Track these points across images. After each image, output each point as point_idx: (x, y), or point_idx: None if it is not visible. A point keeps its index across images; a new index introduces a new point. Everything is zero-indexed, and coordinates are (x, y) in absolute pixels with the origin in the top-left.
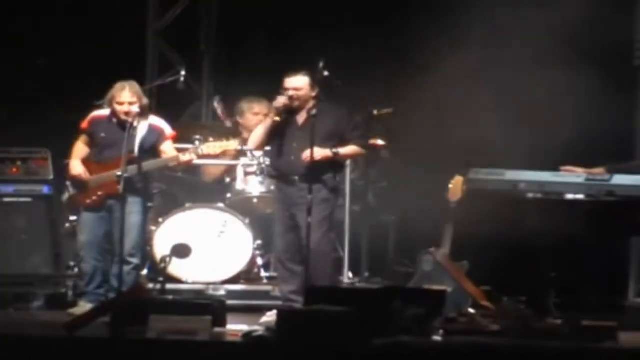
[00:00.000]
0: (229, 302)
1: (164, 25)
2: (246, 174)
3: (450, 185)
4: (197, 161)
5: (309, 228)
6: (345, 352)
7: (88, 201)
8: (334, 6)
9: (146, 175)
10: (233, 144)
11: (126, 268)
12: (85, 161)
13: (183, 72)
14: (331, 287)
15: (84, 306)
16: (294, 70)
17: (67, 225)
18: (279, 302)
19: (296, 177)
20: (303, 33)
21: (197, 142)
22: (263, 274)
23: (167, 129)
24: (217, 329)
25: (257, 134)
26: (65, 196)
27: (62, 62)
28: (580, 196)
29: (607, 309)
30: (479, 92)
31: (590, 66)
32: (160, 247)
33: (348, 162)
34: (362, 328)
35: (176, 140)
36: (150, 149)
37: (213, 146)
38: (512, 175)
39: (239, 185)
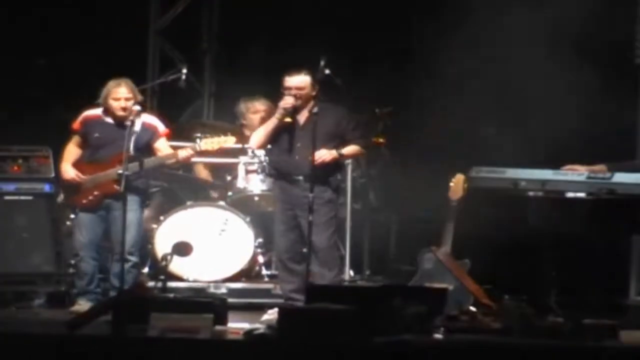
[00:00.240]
0: (230, 300)
1: (165, 24)
2: (247, 172)
3: (451, 184)
4: (196, 159)
5: (313, 227)
6: (346, 350)
7: (84, 201)
8: (335, 5)
9: (143, 173)
10: (231, 140)
11: (126, 266)
12: (78, 162)
13: (184, 71)
14: (332, 285)
15: (84, 305)
16: (295, 69)
17: (68, 223)
18: (280, 300)
19: (300, 177)
20: (304, 31)
21: (197, 140)
22: (264, 272)
23: (161, 127)
24: (218, 327)
25: (260, 134)
26: (61, 197)
27: (63, 61)
28: (581, 194)
29: (608, 308)
30: (479, 91)
31: (591, 65)
32: (162, 245)
33: (349, 160)
34: (363, 326)
35: (177, 138)
36: (145, 147)
37: (210, 142)
38: (513, 173)
39: (240, 183)
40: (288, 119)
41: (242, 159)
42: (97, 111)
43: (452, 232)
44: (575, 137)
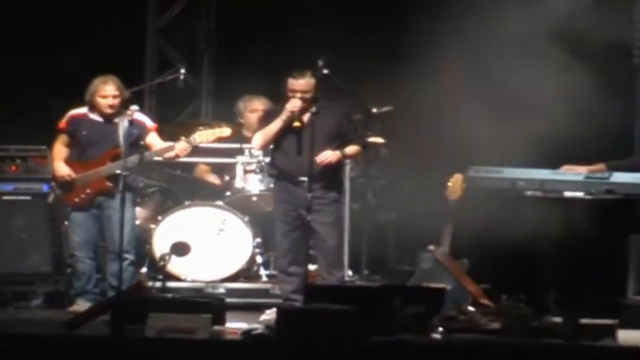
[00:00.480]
0: (228, 300)
1: (163, 23)
2: (245, 172)
3: (449, 184)
4: (197, 159)
5: (320, 227)
6: (344, 350)
7: (76, 200)
8: (334, 4)
9: (134, 171)
10: (226, 131)
11: (122, 264)
12: (67, 161)
13: (182, 70)
14: (331, 285)
15: (83, 305)
16: (300, 71)
17: (67, 223)
18: (279, 300)
19: (304, 178)
20: (302, 31)
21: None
22: (262, 271)
23: (148, 121)
24: (217, 327)
25: (264, 135)
26: (52, 197)
27: (61, 60)
28: (580, 194)
29: (606, 307)
30: (478, 91)
31: (590, 64)
32: (160, 245)
33: (348, 160)
34: (362, 326)
35: (175, 138)
36: (135, 143)
37: (205, 134)
38: (511, 173)
39: (238, 183)
40: (297, 124)
41: (240, 159)
42: (83, 110)
43: (450, 232)
44: (572, 137)
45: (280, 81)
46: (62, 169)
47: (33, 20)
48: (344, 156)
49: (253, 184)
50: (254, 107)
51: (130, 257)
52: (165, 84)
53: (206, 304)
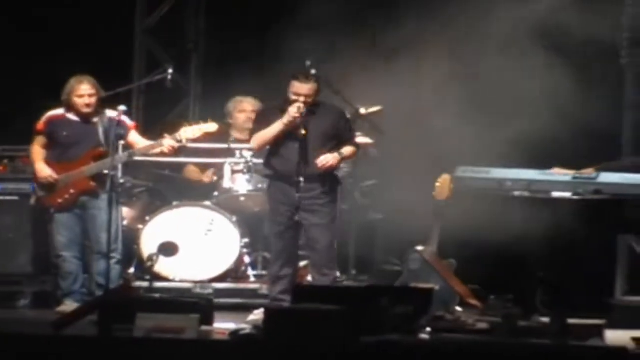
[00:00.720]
0: (216, 300)
1: (151, 23)
2: (233, 172)
3: (437, 184)
4: (186, 159)
5: (316, 228)
6: (332, 350)
7: (60, 200)
8: (323, 3)
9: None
10: (212, 126)
11: (110, 263)
12: (47, 162)
13: (171, 70)
14: (319, 285)
15: (71, 305)
16: (306, 75)
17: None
18: (267, 301)
19: (301, 179)
20: (291, 31)
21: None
22: (250, 272)
23: (127, 120)
24: (204, 327)
25: (265, 137)
26: (33, 199)
27: (51, 60)
28: (567, 194)
29: (594, 307)
30: (465, 91)
31: (577, 65)
32: (148, 245)
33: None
34: (350, 326)
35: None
36: (115, 142)
37: (192, 130)
38: (498, 173)
39: (226, 183)
40: (303, 132)
41: (228, 159)
42: (60, 111)
43: (438, 232)
44: (559, 138)
45: (268, 81)
46: (44, 170)
47: (17, 21)
48: (343, 158)
49: (241, 184)
50: (243, 107)
51: (116, 255)
52: (153, 84)
53: (194, 304)
